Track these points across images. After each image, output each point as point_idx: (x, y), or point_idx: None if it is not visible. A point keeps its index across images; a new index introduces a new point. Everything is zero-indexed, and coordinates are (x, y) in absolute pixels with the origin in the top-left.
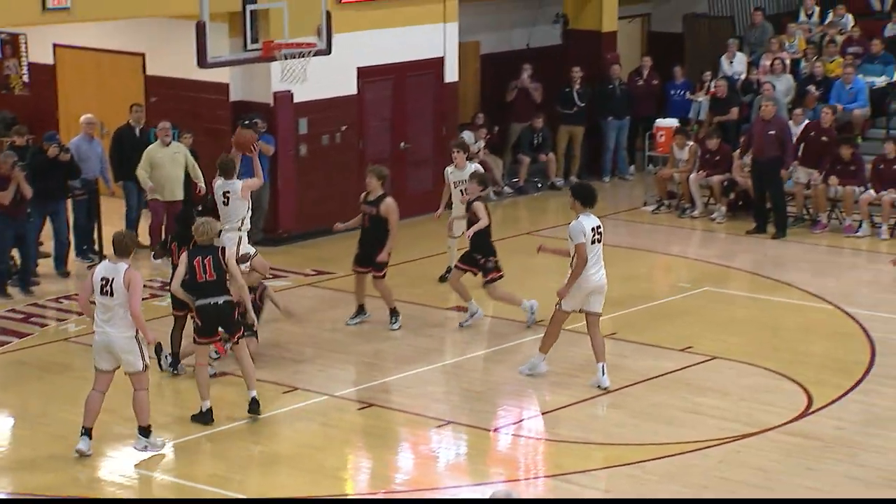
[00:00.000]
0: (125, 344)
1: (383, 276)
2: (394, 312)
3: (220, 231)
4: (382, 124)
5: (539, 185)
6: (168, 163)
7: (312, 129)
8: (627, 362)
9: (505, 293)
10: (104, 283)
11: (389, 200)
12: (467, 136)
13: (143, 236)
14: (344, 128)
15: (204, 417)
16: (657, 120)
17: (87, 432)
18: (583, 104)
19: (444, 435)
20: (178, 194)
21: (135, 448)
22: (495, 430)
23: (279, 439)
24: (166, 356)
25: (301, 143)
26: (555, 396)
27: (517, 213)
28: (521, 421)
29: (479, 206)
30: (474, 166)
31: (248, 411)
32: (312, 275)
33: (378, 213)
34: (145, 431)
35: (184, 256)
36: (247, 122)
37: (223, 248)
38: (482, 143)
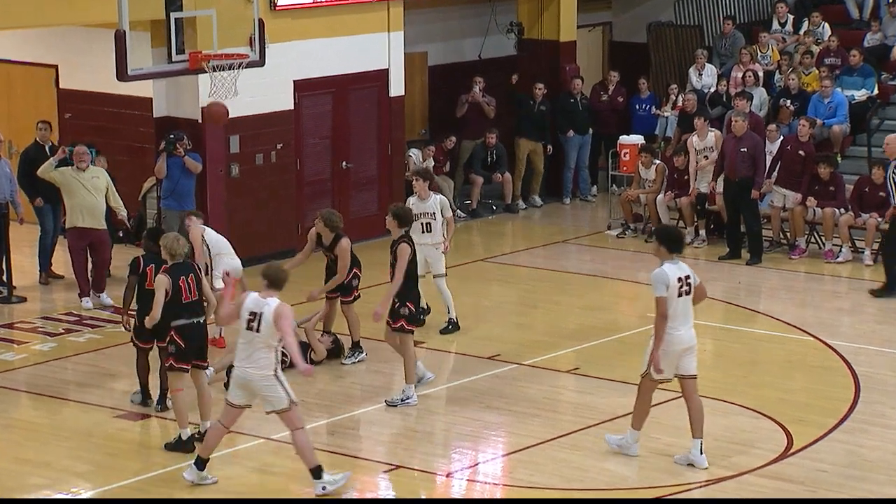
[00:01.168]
0: (264, 384)
1: (352, 300)
2: (356, 346)
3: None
4: (322, 142)
5: (494, 208)
6: (84, 189)
7: (245, 148)
8: (591, 399)
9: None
10: (251, 317)
11: (343, 242)
12: (414, 154)
13: (58, 265)
14: (280, 146)
15: (184, 446)
16: (621, 137)
17: (202, 463)
18: (545, 121)
19: (394, 481)
20: (98, 223)
21: (316, 494)
22: (448, 475)
23: (207, 489)
24: (137, 393)
25: (232, 163)
26: (513, 437)
27: (470, 239)
28: (476, 465)
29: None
30: (438, 198)
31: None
32: None
33: (336, 256)
34: (317, 473)
35: (163, 278)
36: (172, 137)
37: (195, 265)
38: (430, 163)
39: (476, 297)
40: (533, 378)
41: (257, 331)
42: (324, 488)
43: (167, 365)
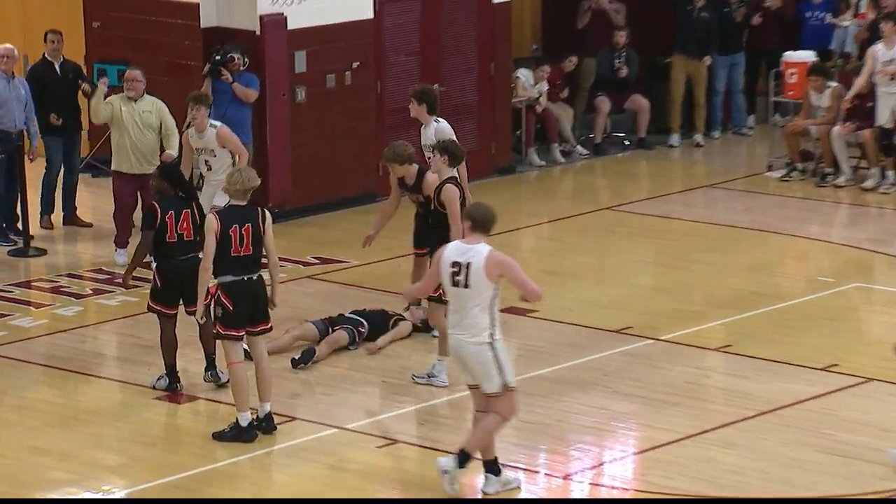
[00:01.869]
0: (477, 354)
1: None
2: None
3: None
4: (408, 60)
5: (626, 143)
6: (136, 125)
7: (313, 67)
8: (747, 385)
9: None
10: (455, 269)
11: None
12: (523, 75)
13: (84, 210)
14: (356, 65)
15: (242, 434)
16: (786, 53)
17: (492, 467)
18: (708, 32)
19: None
20: (150, 166)
21: (484, 491)
22: (565, 477)
23: (272, 485)
24: (162, 377)
25: (297, 86)
26: (648, 431)
27: (594, 182)
28: (600, 465)
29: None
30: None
31: (259, 428)
32: (314, 264)
33: (422, 196)
34: (493, 467)
35: (212, 220)
36: (219, 56)
37: (263, 211)
38: (544, 86)
39: (600, 254)
40: (673, 357)
41: (465, 286)
42: (497, 490)
43: (215, 332)
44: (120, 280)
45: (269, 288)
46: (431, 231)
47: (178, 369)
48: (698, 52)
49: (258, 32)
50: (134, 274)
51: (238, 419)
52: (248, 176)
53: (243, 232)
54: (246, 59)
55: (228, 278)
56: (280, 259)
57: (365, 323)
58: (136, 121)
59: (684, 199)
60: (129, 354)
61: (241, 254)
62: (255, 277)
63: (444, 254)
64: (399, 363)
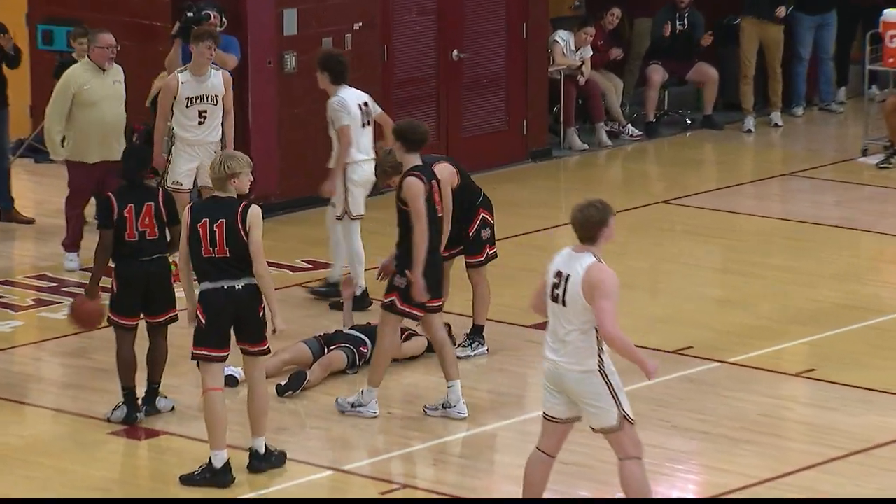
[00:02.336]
0: (584, 384)
1: (483, 261)
2: (476, 332)
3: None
4: (423, 20)
5: (688, 122)
6: (105, 98)
7: (306, 29)
8: (835, 419)
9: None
10: (557, 280)
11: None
12: (562, 38)
13: (23, 202)
14: (358, 26)
15: (217, 477)
16: (886, 11)
17: None
18: None
19: None
20: (117, 151)
21: None
22: None
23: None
24: (119, 407)
25: (286, 52)
26: (714, 475)
27: (646, 169)
28: None
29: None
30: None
31: (248, 467)
32: (304, 269)
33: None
34: None
35: (185, 212)
36: (192, 14)
37: (246, 207)
38: (588, 52)
39: (654, 258)
40: (744, 383)
41: (562, 302)
42: None
43: (192, 355)
44: (70, 290)
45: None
46: (401, 243)
47: (137, 396)
48: (772, 11)
49: None
50: (86, 282)
51: (211, 459)
52: (228, 162)
53: (215, 228)
54: (224, 19)
55: (205, 285)
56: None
57: (367, 341)
58: (109, 95)
59: (758, 191)
60: (79, 379)
61: (215, 255)
62: (238, 286)
63: (553, 260)
64: (407, 390)
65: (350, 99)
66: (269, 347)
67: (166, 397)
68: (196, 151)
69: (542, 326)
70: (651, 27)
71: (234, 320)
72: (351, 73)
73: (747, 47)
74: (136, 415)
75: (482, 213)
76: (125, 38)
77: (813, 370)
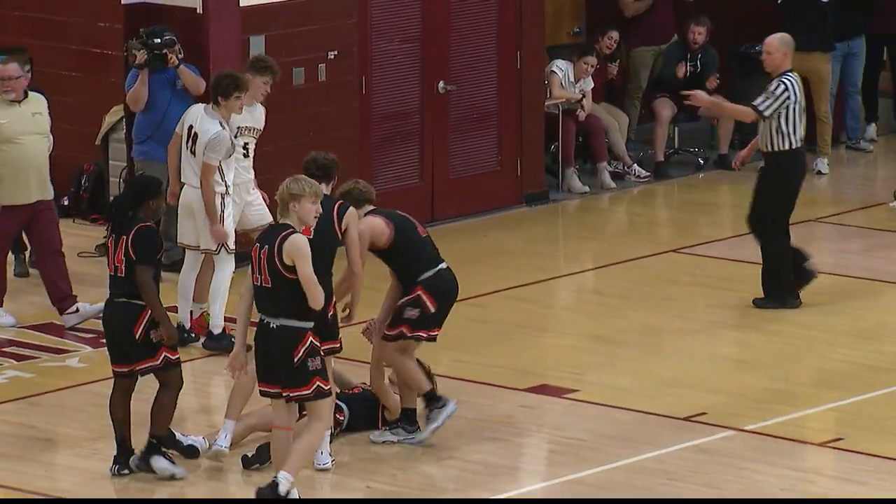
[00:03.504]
0: None
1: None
2: (431, 399)
3: None
4: (405, 49)
5: (701, 162)
6: (24, 134)
7: (275, 58)
8: (865, 492)
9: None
10: None
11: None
12: (561, 68)
13: None
14: (333, 55)
15: None
16: None
17: None
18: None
19: None
20: (45, 190)
21: None
22: None
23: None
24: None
25: None
26: None
27: (654, 214)
28: None
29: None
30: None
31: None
32: None
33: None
34: None
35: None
36: (159, 39)
37: (291, 232)
38: (590, 84)
39: (663, 312)
40: (762, 454)
41: None
42: None
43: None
44: (6, 350)
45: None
46: None
47: (131, 446)
48: (820, 42)
49: (200, 10)
50: (25, 341)
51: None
52: (291, 184)
53: (261, 254)
54: (179, 49)
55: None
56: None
57: (344, 408)
58: (27, 129)
59: None
60: (19, 450)
61: (260, 284)
62: (273, 325)
63: None
64: (388, 461)
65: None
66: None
67: (173, 462)
68: (238, 191)
69: (539, 390)
70: (661, 63)
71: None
72: (324, 107)
73: None
74: (116, 467)
75: (419, 292)
76: (74, 69)
77: (840, 439)
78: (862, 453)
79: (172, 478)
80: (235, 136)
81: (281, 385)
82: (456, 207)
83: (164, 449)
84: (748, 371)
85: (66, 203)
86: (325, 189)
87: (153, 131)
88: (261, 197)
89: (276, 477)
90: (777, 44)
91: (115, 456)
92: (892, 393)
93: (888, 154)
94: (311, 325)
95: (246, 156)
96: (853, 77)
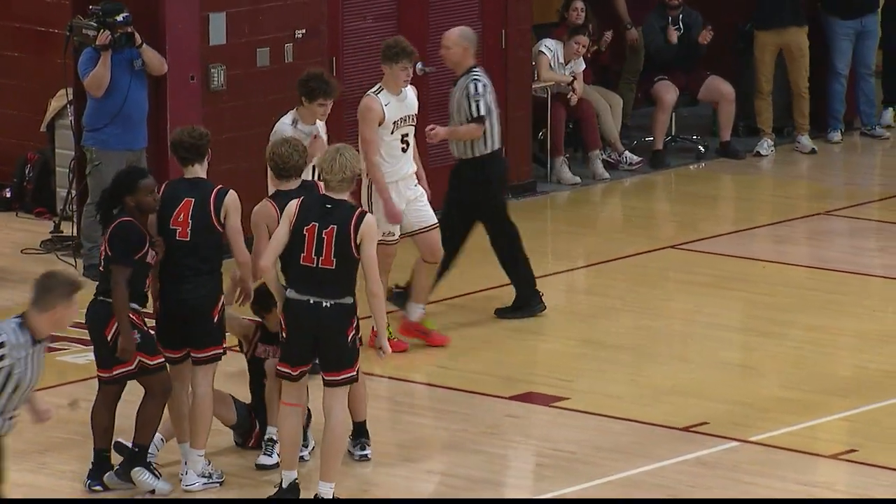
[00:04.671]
0: None
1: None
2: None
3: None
4: (378, 28)
5: (702, 150)
6: None
7: (237, 37)
8: None
9: None
10: None
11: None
12: (549, 48)
13: None
14: (301, 34)
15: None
16: None
17: None
18: None
19: None
20: None
21: None
22: None
23: None
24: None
25: (213, 66)
26: None
27: (652, 207)
28: None
29: None
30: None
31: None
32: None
33: None
34: None
35: (283, 221)
36: (120, 18)
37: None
38: (581, 66)
39: (660, 313)
40: (769, 467)
41: None
42: None
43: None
44: None
45: None
46: None
47: (110, 460)
48: (792, 16)
49: None
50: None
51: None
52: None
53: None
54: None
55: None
56: None
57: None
58: None
59: (786, 234)
60: None
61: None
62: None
63: None
64: (359, 476)
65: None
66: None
67: (158, 475)
68: (398, 188)
69: (526, 399)
70: (643, 38)
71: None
72: (291, 91)
73: (763, 58)
74: (90, 482)
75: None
76: (16, 48)
77: (853, 451)
78: (877, 466)
79: (152, 493)
80: (391, 133)
81: (326, 367)
82: (436, 199)
83: (149, 461)
84: (753, 377)
85: (8, 195)
86: (200, 171)
87: (111, 118)
88: (425, 194)
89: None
90: (456, 38)
91: (90, 469)
92: None
93: None
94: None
95: (405, 149)
96: (866, 58)
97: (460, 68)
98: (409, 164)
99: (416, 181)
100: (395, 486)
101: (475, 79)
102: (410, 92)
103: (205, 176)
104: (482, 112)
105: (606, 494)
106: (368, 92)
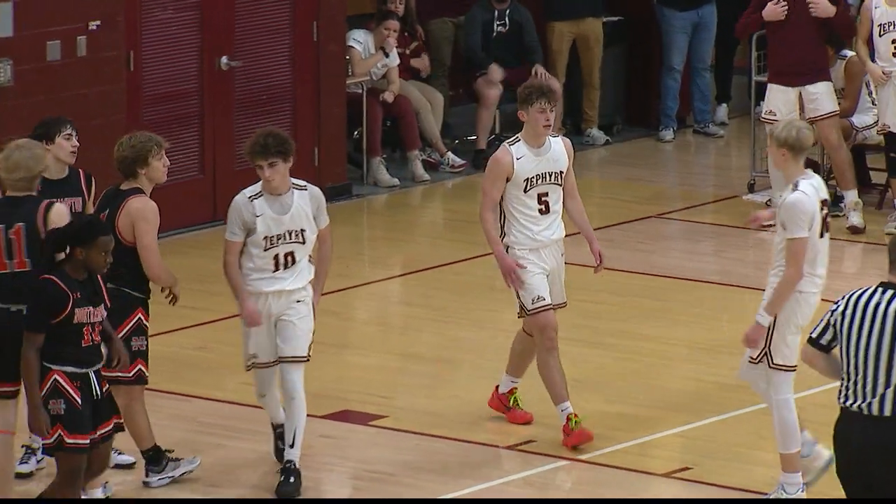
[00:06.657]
0: None
1: None
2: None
3: None
4: (181, 19)
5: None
6: None
7: (24, 29)
8: None
9: None
10: None
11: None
12: (359, 40)
13: None
14: (95, 25)
15: None
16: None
17: None
18: None
19: None
20: None
21: None
22: None
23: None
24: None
25: None
26: None
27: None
28: None
29: None
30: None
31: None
32: None
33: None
34: None
35: None
36: None
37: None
38: (395, 59)
39: (483, 324)
40: (598, 486)
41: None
42: None
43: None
44: None
45: None
46: None
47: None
48: (590, 7)
49: None
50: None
51: None
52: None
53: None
54: None
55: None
56: None
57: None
58: None
59: (614, 238)
60: None
61: None
62: None
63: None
64: None
65: None
66: None
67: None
68: (542, 256)
69: (340, 417)
70: (464, 33)
71: None
72: (84, 88)
73: (559, 48)
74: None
75: (140, 314)
76: None
77: (687, 468)
78: (713, 485)
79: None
80: (524, 191)
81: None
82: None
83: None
84: (582, 392)
85: None
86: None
87: None
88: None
89: None
90: None
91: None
92: (746, 414)
93: (741, 139)
94: None
95: (543, 211)
96: (702, 52)
97: None
98: (552, 229)
99: (562, 250)
100: None
101: None
102: (557, 144)
103: None
104: None
105: None
106: (505, 142)
